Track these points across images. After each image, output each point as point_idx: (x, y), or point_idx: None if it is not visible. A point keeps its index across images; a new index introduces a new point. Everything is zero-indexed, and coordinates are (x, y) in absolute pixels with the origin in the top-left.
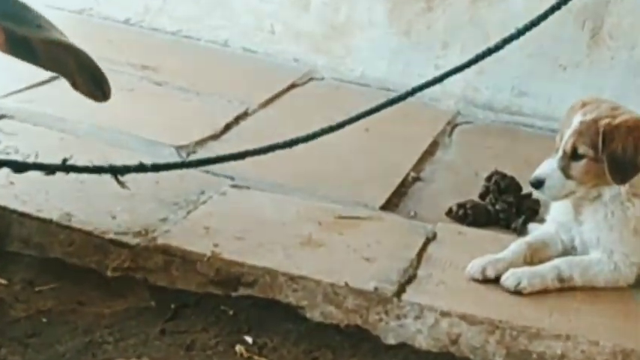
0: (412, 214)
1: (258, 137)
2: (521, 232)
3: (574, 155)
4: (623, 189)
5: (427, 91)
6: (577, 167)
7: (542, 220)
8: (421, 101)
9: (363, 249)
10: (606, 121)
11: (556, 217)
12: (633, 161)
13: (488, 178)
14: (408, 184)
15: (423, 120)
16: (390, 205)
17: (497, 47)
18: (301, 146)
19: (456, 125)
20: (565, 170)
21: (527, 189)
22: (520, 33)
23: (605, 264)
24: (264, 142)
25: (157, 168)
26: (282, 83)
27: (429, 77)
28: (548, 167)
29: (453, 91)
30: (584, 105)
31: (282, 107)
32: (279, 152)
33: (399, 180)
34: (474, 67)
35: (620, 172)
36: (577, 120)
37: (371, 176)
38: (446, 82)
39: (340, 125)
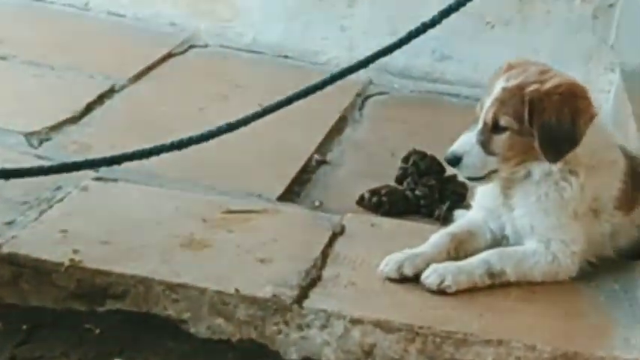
0: (316, 204)
1: (128, 120)
2: (446, 220)
3: (495, 127)
4: (556, 166)
5: (332, 57)
6: (499, 141)
7: (469, 207)
8: (325, 69)
9: (257, 249)
10: (533, 87)
11: (483, 203)
12: (570, 135)
13: (406, 159)
14: (311, 169)
15: (327, 92)
16: (290, 194)
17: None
18: (179, 127)
19: (368, 97)
20: (485, 145)
21: (451, 170)
22: None
23: (541, 255)
24: (136, 126)
25: (3, 175)
26: (156, 53)
27: (334, 40)
28: (466, 141)
29: (363, 56)
30: (509, 68)
31: (157, 82)
32: (152, 135)
33: (300, 164)
34: (386, 27)
35: (555, 148)
36: (499, 86)
37: (266, 161)
38: (354, 45)
39: (250, 119)
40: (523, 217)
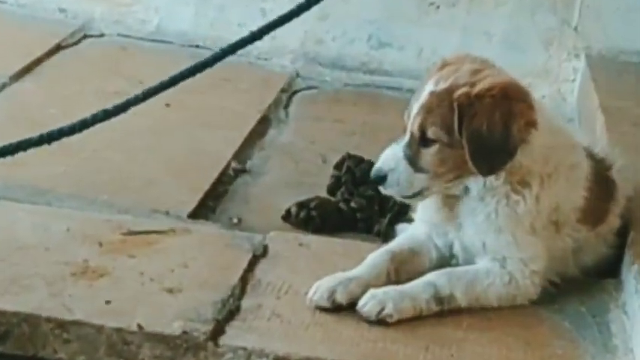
0: (234, 221)
1: (10, 125)
2: (387, 236)
3: (423, 140)
4: (497, 181)
5: (252, 47)
6: (427, 156)
7: (413, 220)
8: (244, 61)
9: (164, 276)
10: (462, 90)
11: (426, 217)
12: (503, 144)
13: (340, 165)
14: (228, 180)
15: (247, 87)
16: (203, 210)
17: None
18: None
19: (295, 92)
20: (413, 160)
21: None
22: None
23: (496, 275)
24: (19, 131)
25: None
26: (43, 45)
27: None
28: (391, 157)
29: (288, 44)
30: (442, 66)
31: (44, 79)
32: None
33: (215, 175)
34: (314, 10)
35: (487, 161)
36: (427, 90)
37: (175, 171)
38: (277, 32)
39: (128, 104)
40: (474, 235)
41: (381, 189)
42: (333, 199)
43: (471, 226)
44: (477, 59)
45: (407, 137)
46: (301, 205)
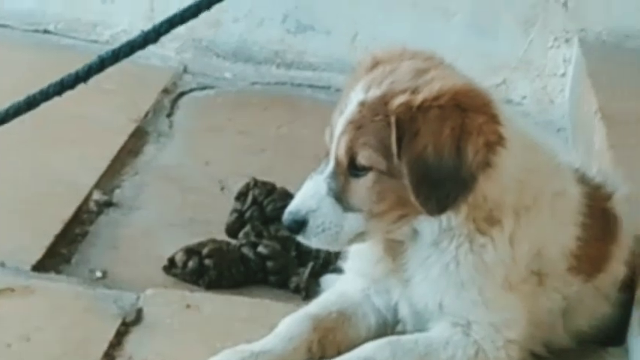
0: (98, 274)
1: None
2: (309, 294)
3: (353, 167)
4: (456, 219)
5: (119, 31)
6: (360, 189)
7: (343, 270)
8: (107, 49)
9: None
10: (401, 99)
11: (361, 269)
12: (455, 172)
13: (243, 196)
14: (88, 218)
15: (115, 88)
16: (54, 260)
17: None
18: None
19: (182, 94)
20: (341, 196)
21: None
22: None
23: (458, 346)
24: None
25: None
26: None
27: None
28: (311, 193)
29: (174, 29)
30: (374, 65)
31: None
32: None
33: (70, 211)
34: None
35: (435, 194)
36: (355, 100)
37: (14, 207)
38: (156, 10)
39: None
40: (426, 293)
41: (301, 239)
42: (234, 242)
43: (423, 281)
44: (418, 54)
45: (331, 165)
46: (190, 252)
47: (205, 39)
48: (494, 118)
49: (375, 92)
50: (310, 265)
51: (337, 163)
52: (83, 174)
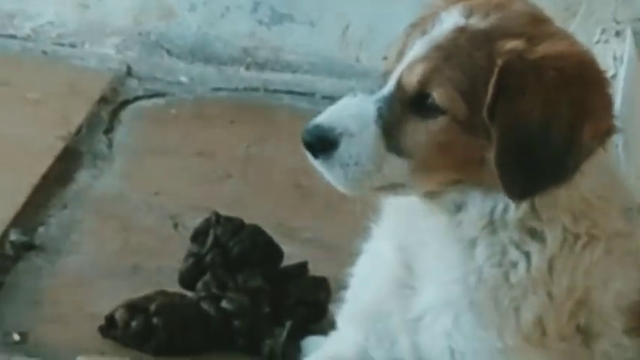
0: (15, 338)
1: None
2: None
3: (422, 103)
4: (516, 214)
5: (46, 25)
6: (420, 132)
7: (332, 327)
8: (34, 49)
9: None
10: (515, 44)
11: (363, 310)
12: (563, 153)
13: (202, 235)
14: (2, 265)
15: (40, 97)
16: None
17: None
18: None
19: (124, 104)
20: (391, 130)
21: (294, 249)
22: None
23: None
24: None
25: None
26: None
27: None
28: (353, 111)
29: (112, 19)
30: None
31: None
32: None
33: None
34: None
35: (527, 173)
36: (450, 23)
37: None
38: None
39: None
40: (436, 334)
41: (318, 165)
42: (190, 295)
43: (434, 295)
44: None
45: (389, 88)
46: (134, 308)
47: (154, 32)
48: (612, 104)
49: (480, 22)
50: (288, 324)
51: (399, 89)
52: None
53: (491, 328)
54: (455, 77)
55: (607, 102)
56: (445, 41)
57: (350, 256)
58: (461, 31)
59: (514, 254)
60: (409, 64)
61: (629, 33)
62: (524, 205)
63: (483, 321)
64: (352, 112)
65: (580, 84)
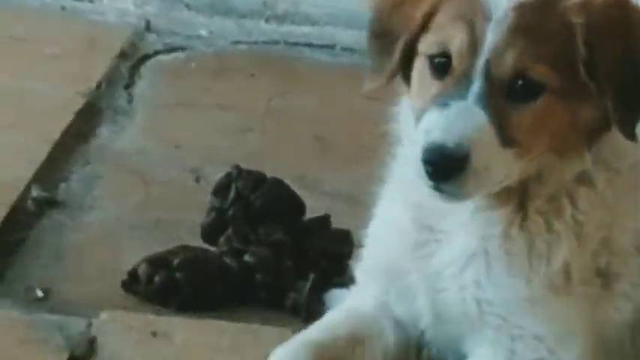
0: (38, 294)
1: None
2: (310, 314)
3: (514, 87)
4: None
5: None
6: (527, 117)
7: (352, 282)
8: (54, 5)
9: None
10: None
11: (388, 254)
12: None
13: (223, 189)
14: (25, 220)
15: (60, 53)
16: None
17: None
18: None
19: (144, 58)
20: (502, 127)
21: (316, 202)
22: None
23: None
24: None
25: None
26: None
27: None
28: (464, 120)
29: None
30: None
31: None
32: None
33: (1, 213)
34: None
35: (636, 106)
36: (505, 3)
37: None
38: None
39: None
40: (460, 275)
41: (448, 187)
42: (212, 249)
43: (459, 253)
44: None
45: (478, 85)
46: (156, 263)
47: None
48: None
49: None
50: (311, 277)
51: (490, 81)
52: (18, 165)
53: (521, 277)
54: (542, 51)
55: None
56: (515, 21)
57: (370, 209)
58: (521, 7)
59: (563, 201)
60: (494, 53)
61: None
62: (588, 157)
63: (513, 270)
64: (466, 122)
65: (632, 5)
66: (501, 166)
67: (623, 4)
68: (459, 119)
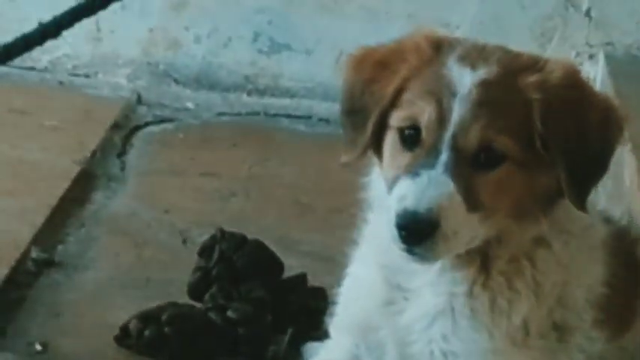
0: (38, 348)
1: None
2: None
3: (479, 158)
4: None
5: (62, 56)
6: (490, 184)
7: (326, 334)
8: (51, 79)
9: None
10: (536, 77)
11: (355, 316)
12: (603, 155)
13: (208, 250)
14: (25, 280)
15: (57, 124)
16: None
17: None
18: None
19: (136, 129)
20: (467, 194)
21: (295, 261)
22: None
23: None
24: None
25: None
26: None
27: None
28: (434, 188)
29: (123, 50)
30: (437, 46)
31: None
32: None
33: (3, 272)
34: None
35: (585, 183)
36: (469, 79)
37: None
38: (104, 31)
39: None
40: (429, 330)
41: (421, 250)
42: (198, 305)
43: (426, 311)
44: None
45: (445, 155)
46: (147, 318)
47: (163, 62)
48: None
49: (490, 69)
50: (290, 331)
51: (457, 152)
52: (19, 228)
53: (484, 331)
54: (504, 124)
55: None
56: (479, 97)
57: (344, 268)
58: (484, 83)
59: (523, 263)
60: (460, 127)
61: (601, 56)
62: (545, 221)
63: (477, 325)
64: (436, 190)
65: (593, 95)
66: (468, 230)
67: (579, 85)
68: (430, 187)
